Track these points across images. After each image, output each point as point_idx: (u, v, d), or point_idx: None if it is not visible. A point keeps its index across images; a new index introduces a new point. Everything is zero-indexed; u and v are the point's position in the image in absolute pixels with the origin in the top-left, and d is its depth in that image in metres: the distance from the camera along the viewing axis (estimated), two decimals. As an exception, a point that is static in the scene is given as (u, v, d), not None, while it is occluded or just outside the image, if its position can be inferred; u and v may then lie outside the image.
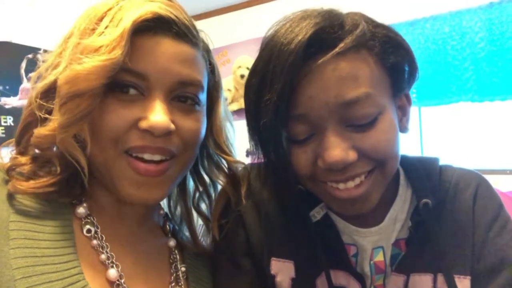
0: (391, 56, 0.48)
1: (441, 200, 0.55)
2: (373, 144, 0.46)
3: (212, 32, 0.60)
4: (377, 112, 0.46)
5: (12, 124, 2.05)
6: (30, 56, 2.10)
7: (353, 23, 0.46)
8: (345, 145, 0.45)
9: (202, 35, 0.54)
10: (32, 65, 2.10)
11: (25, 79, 2.10)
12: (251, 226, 0.58)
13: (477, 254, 0.53)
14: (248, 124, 0.53)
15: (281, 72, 0.43)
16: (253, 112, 0.49)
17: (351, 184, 0.47)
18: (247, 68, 2.70)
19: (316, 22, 0.44)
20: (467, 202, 0.55)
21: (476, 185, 0.56)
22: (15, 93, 2.06)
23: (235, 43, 2.76)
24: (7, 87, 2.04)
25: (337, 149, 0.45)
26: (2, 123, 2.01)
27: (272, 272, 0.55)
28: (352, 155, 0.45)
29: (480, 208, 0.55)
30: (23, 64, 2.08)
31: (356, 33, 0.45)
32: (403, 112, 0.54)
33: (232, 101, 2.78)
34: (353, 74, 0.44)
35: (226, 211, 0.59)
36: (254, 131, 0.51)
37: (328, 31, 0.44)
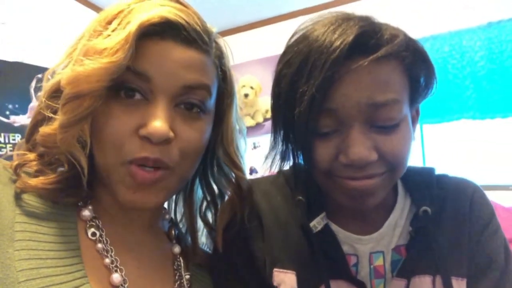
0: (417, 68, 0.50)
1: (439, 207, 0.57)
2: (392, 148, 0.48)
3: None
4: (399, 118, 0.48)
5: (21, 142, 2.09)
6: (40, 76, 2.15)
7: (393, 33, 0.49)
8: (368, 144, 0.47)
9: (220, 41, 0.53)
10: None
11: (34, 98, 2.15)
12: (254, 236, 0.58)
13: (471, 256, 0.56)
14: (276, 116, 0.54)
15: (323, 67, 0.45)
16: (284, 102, 0.50)
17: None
18: (251, 87, 2.75)
19: (361, 25, 0.47)
20: (463, 208, 0.58)
21: (471, 192, 0.59)
22: (24, 112, 2.12)
23: (239, 63, 2.81)
24: (17, 106, 2.09)
25: (361, 147, 0.46)
26: (11, 141, 2.05)
27: (275, 283, 0.56)
28: (373, 155, 0.47)
29: (475, 214, 0.58)
30: (33, 84, 2.14)
31: (395, 43, 0.47)
32: (413, 123, 0.56)
33: (236, 119, 2.81)
34: (385, 80, 0.47)
35: (229, 225, 0.60)
36: (282, 122, 0.53)
37: (371, 36, 0.46)
